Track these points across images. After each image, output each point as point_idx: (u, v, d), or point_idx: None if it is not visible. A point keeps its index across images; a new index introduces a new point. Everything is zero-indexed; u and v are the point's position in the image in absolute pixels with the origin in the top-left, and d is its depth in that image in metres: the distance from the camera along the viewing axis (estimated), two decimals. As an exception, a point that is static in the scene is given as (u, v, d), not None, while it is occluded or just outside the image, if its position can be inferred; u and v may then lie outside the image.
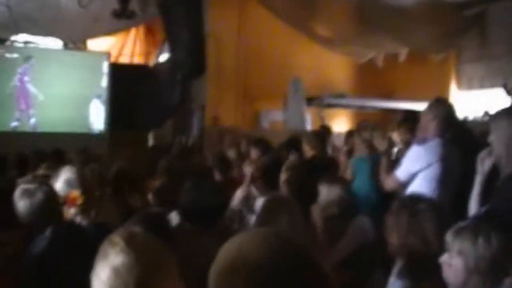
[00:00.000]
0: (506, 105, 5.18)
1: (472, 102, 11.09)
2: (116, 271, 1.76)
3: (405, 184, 4.17)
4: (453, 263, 2.39)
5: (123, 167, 4.80)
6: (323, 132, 6.91)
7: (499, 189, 3.18)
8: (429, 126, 4.16)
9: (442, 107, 4.21)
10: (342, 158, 5.97)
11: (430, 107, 4.23)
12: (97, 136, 12.19)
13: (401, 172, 4.20)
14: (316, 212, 3.86)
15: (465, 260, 2.33)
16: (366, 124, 5.56)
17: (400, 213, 2.82)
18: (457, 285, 2.41)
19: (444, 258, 2.44)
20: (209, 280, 1.02)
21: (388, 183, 4.38)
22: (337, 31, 11.36)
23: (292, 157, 5.87)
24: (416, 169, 4.06)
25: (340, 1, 10.61)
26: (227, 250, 1.04)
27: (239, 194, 4.90)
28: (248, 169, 5.10)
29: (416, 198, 2.98)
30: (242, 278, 0.95)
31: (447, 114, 4.18)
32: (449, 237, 2.43)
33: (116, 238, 1.86)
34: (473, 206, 3.51)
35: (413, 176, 4.09)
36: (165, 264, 1.85)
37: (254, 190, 4.79)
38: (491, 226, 2.41)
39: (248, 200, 4.96)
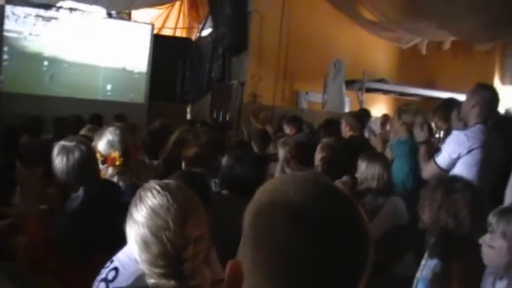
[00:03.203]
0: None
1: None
2: (154, 212, 1.88)
3: (446, 171, 4.03)
4: (495, 244, 2.37)
5: (183, 136, 4.85)
6: (363, 114, 6.87)
7: None
8: (471, 112, 4.07)
9: (484, 92, 4.10)
10: (376, 141, 5.91)
11: (472, 93, 4.13)
12: (136, 106, 12.27)
13: (442, 159, 4.05)
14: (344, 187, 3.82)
15: (509, 242, 2.31)
16: (407, 108, 5.44)
17: (435, 189, 2.81)
18: (499, 267, 2.39)
19: (485, 239, 2.42)
20: (244, 219, 1.00)
21: (428, 170, 4.20)
22: (384, 16, 11.23)
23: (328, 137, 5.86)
24: (457, 155, 3.96)
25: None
26: (267, 189, 1.01)
27: (276, 174, 4.96)
28: (281, 151, 5.12)
29: (453, 178, 2.96)
30: (283, 217, 0.93)
31: (489, 100, 4.07)
32: (492, 218, 2.41)
33: (151, 184, 1.98)
34: (509, 194, 3.47)
35: (453, 163, 3.99)
36: (198, 209, 1.98)
37: (289, 171, 4.83)
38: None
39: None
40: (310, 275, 0.91)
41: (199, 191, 2.10)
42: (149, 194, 1.93)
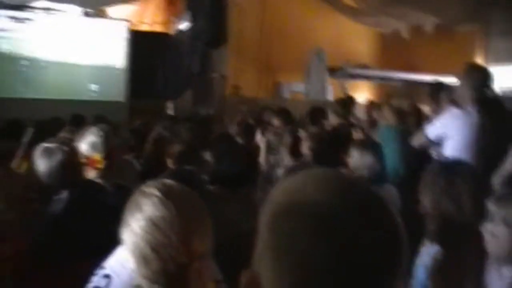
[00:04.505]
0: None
1: (499, 77, 10.84)
2: (155, 225, 1.65)
3: (432, 142, 4.19)
4: (497, 232, 2.27)
5: (161, 133, 4.74)
6: (349, 101, 6.81)
7: None
8: (465, 94, 4.06)
9: (477, 74, 4.11)
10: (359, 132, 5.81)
11: (465, 75, 4.13)
12: (116, 105, 12.07)
13: (431, 129, 4.19)
14: None
15: (511, 229, 2.22)
16: (395, 93, 5.44)
17: (438, 174, 2.73)
18: (501, 255, 2.31)
19: (487, 227, 2.32)
20: (260, 222, 0.89)
21: (416, 139, 4.41)
22: (364, 1, 11.17)
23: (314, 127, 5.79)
24: (448, 131, 4.00)
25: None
26: (285, 189, 0.90)
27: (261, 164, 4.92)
28: (261, 139, 5.11)
29: (456, 162, 2.88)
30: (306, 222, 0.82)
31: (482, 81, 4.08)
32: (491, 205, 2.31)
33: (151, 189, 1.74)
34: (496, 181, 3.42)
35: (442, 136, 4.03)
36: (205, 220, 1.75)
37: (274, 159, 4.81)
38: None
39: (271, 169, 4.95)
40: None
41: (195, 190, 1.88)
42: (149, 202, 1.69)
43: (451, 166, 2.78)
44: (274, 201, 0.89)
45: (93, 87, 12.32)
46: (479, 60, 11.98)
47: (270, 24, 12.03)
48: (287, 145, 4.86)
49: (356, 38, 13.06)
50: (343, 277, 0.79)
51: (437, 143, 4.15)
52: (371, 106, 8.75)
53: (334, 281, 0.79)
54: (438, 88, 5.35)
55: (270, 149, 5.29)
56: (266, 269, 0.86)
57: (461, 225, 2.61)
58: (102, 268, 1.93)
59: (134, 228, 1.68)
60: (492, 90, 4.41)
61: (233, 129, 6.96)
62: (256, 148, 5.48)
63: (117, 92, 12.52)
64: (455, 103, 4.25)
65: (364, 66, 12.31)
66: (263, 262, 0.87)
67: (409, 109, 5.05)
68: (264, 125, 7.05)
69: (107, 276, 1.88)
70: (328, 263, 0.80)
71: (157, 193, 1.71)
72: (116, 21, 13.03)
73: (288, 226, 0.84)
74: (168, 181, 1.85)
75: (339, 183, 0.88)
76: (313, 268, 0.80)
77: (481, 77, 4.09)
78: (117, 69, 12.52)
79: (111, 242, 1.85)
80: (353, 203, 0.84)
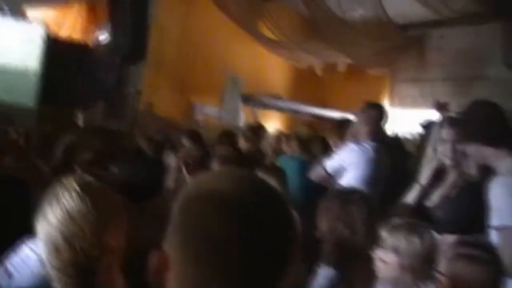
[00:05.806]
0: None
1: (403, 120, 11.41)
2: (70, 216, 1.70)
3: (331, 176, 4.30)
4: (387, 259, 2.45)
5: (73, 141, 4.65)
6: (260, 128, 6.98)
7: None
8: (361, 130, 4.27)
9: (373, 111, 4.34)
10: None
11: (362, 112, 4.36)
12: (24, 110, 11.64)
13: (330, 163, 4.32)
14: None
15: (399, 258, 2.39)
16: (305, 126, 5.62)
17: (332, 199, 2.88)
18: (389, 280, 2.47)
19: (378, 253, 2.50)
20: (173, 210, 0.98)
21: (315, 172, 4.50)
22: (284, 35, 11.49)
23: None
24: (345, 164, 4.16)
25: (289, 7, 10.75)
26: (198, 181, 1.01)
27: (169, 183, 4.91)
28: (174, 160, 5.10)
29: (351, 189, 3.04)
30: (213, 204, 0.92)
31: (378, 118, 4.31)
32: (384, 233, 2.49)
33: (70, 182, 1.79)
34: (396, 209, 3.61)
35: (340, 170, 4.18)
36: (119, 216, 1.82)
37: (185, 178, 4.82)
38: (425, 225, 2.50)
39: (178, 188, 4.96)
40: (237, 264, 0.91)
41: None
42: (66, 195, 1.74)
43: (346, 193, 2.94)
44: (187, 191, 1.00)
45: (1, 89, 11.85)
46: (385, 102, 12.57)
47: (189, 45, 12.11)
48: (187, 165, 4.90)
49: (273, 69, 13.36)
50: (244, 249, 0.91)
51: (334, 176, 4.31)
52: (280, 135, 9.00)
53: (236, 252, 0.91)
54: (343, 124, 5.60)
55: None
56: (175, 246, 0.95)
57: (355, 249, 2.74)
58: (3, 265, 1.92)
59: (50, 218, 1.72)
60: (386, 127, 4.67)
61: (143, 145, 6.97)
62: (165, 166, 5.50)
63: (27, 96, 12.09)
64: (354, 138, 4.47)
65: (277, 97, 12.60)
66: (172, 241, 0.97)
67: (315, 141, 5.24)
68: (174, 145, 7.10)
69: (7, 273, 1.88)
70: (231, 237, 0.91)
71: (75, 186, 1.76)
72: (34, 24, 12.65)
73: (198, 207, 0.94)
74: (87, 176, 1.90)
75: (249, 178, 1.01)
76: (217, 241, 0.91)
77: (377, 114, 4.32)
78: (29, 73, 12.11)
79: (10, 239, 1.88)
80: (259, 192, 0.97)
